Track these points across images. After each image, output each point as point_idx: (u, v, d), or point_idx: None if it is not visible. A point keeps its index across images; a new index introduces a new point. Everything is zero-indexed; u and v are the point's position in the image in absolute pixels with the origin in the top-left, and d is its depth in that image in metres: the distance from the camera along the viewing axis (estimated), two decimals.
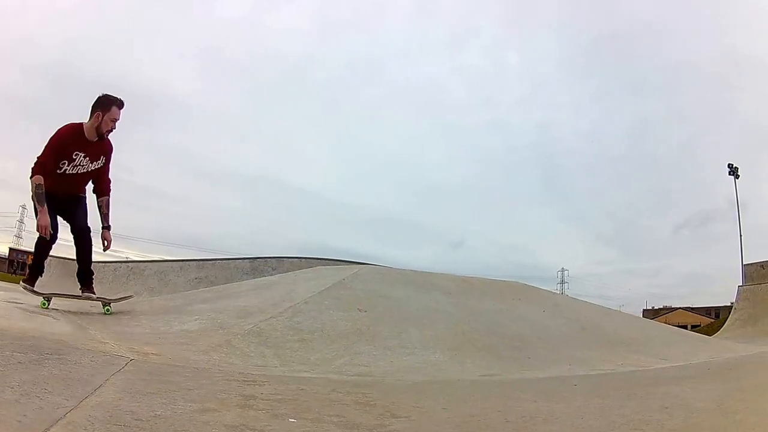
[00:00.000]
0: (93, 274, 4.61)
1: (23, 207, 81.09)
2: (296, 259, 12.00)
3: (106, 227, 4.51)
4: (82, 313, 4.33)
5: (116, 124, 4.33)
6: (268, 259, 12.22)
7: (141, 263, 14.59)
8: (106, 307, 4.50)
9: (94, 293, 4.52)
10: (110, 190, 4.60)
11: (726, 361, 4.37)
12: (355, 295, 4.70)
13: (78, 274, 4.58)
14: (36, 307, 4.16)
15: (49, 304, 4.29)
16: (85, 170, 4.35)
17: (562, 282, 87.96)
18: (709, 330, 17.44)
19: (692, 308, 58.15)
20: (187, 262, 13.24)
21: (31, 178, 4.18)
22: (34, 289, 4.44)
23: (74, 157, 4.25)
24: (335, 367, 3.21)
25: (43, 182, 4.15)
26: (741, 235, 27.68)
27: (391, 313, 4.43)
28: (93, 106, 4.27)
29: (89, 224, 4.56)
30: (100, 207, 4.54)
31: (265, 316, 3.99)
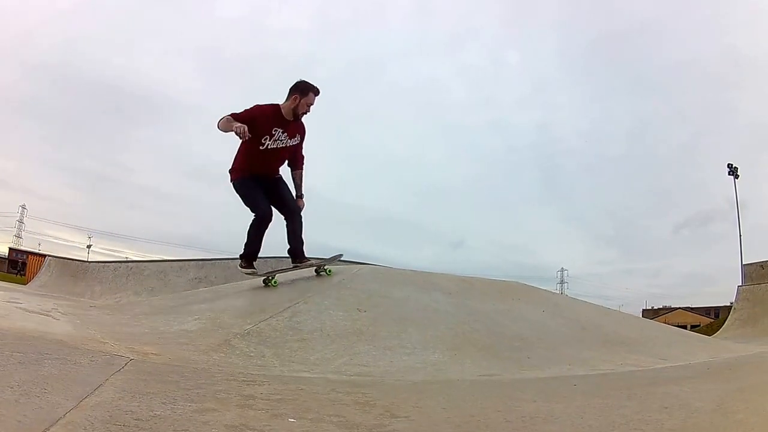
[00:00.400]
0: (303, 243, 5.12)
1: (23, 207, 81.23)
2: None
3: (300, 196, 5.06)
4: (81, 313, 4.33)
5: (311, 108, 4.76)
6: (268, 259, 12.19)
7: (141, 263, 14.59)
8: (327, 270, 5.16)
9: (308, 259, 5.14)
10: (303, 165, 5.09)
11: (726, 361, 4.37)
12: (354, 295, 4.69)
13: (290, 251, 5.14)
14: (37, 307, 4.16)
15: (274, 282, 4.86)
16: (283, 145, 4.76)
17: (562, 282, 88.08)
18: (709, 330, 17.46)
19: (692, 308, 58.19)
20: (187, 262, 13.24)
21: (218, 123, 4.52)
22: (254, 271, 5.03)
23: (274, 132, 4.65)
24: (335, 367, 3.21)
25: (229, 117, 4.49)
26: (740, 235, 27.71)
27: (391, 313, 4.42)
28: (291, 89, 4.69)
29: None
30: (294, 178, 5.05)
31: (265, 315, 3.99)
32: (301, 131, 4.88)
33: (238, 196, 4.83)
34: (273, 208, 4.85)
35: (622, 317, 7.11)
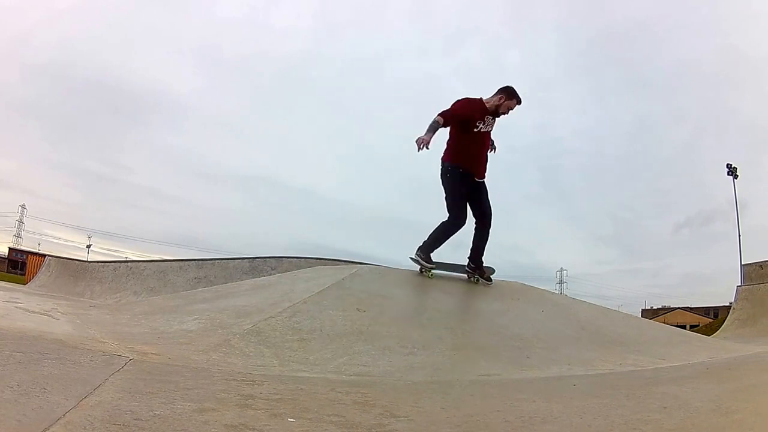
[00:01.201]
0: (482, 254, 5.37)
1: (23, 207, 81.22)
2: (295, 259, 12.00)
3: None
4: (81, 313, 4.33)
5: (509, 113, 5.09)
6: (268, 259, 12.22)
7: (140, 263, 14.58)
8: (477, 279, 5.35)
9: (482, 273, 5.33)
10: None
11: (725, 361, 4.37)
12: (354, 294, 4.70)
13: (471, 255, 5.27)
14: (36, 307, 4.16)
15: (431, 275, 5.12)
16: (490, 129, 5.12)
17: (561, 282, 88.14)
18: (708, 330, 17.46)
19: (691, 308, 58.22)
20: (187, 262, 13.24)
21: (436, 116, 4.81)
22: (430, 262, 5.18)
23: (485, 119, 5.03)
24: (334, 366, 3.21)
25: (443, 121, 4.85)
26: (740, 235, 27.74)
27: (390, 312, 4.43)
28: (500, 89, 5.05)
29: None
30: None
31: (264, 315, 3.99)
32: (493, 123, 5.18)
33: (442, 182, 5.08)
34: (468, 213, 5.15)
35: (622, 317, 7.11)
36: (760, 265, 17.51)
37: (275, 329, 3.75)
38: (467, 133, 4.97)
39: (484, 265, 5.44)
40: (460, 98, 5.04)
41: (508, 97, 4.97)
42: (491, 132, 5.16)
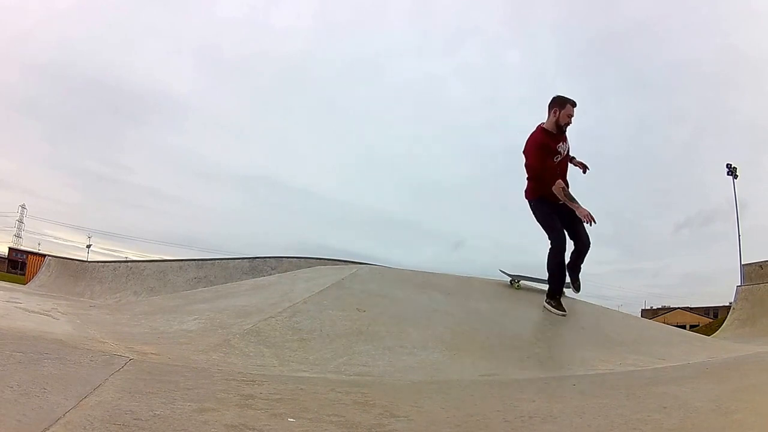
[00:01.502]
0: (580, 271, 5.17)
1: (23, 207, 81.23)
2: (295, 259, 12.00)
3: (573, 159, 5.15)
4: (81, 313, 4.34)
5: (572, 119, 4.85)
6: (267, 259, 12.22)
7: (140, 263, 14.58)
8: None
9: (558, 307, 5.05)
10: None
11: (724, 361, 4.38)
12: (354, 294, 4.70)
13: (570, 271, 5.09)
14: (36, 307, 4.16)
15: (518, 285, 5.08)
16: (565, 153, 4.90)
17: None
18: (708, 330, 17.47)
19: (691, 308, 58.20)
20: (187, 262, 13.23)
21: (552, 188, 4.64)
22: (561, 308, 5.00)
23: (558, 149, 4.80)
24: (334, 366, 3.22)
25: (563, 185, 4.70)
26: (739, 236, 27.72)
27: (390, 312, 4.43)
28: (549, 105, 4.83)
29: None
30: (571, 159, 5.11)
31: (264, 315, 3.99)
32: (566, 138, 4.96)
33: (534, 217, 4.93)
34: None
35: (621, 317, 7.12)
36: (760, 265, 17.51)
37: (275, 329, 3.75)
38: (550, 164, 4.79)
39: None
40: (528, 142, 4.83)
41: (560, 106, 4.81)
42: (569, 149, 5.00)
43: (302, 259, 11.99)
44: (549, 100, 4.86)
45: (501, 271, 5.25)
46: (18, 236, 78.76)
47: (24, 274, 23.17)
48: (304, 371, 3.04)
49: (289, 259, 11.96)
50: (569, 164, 5.07)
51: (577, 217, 4.67)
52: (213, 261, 13.39)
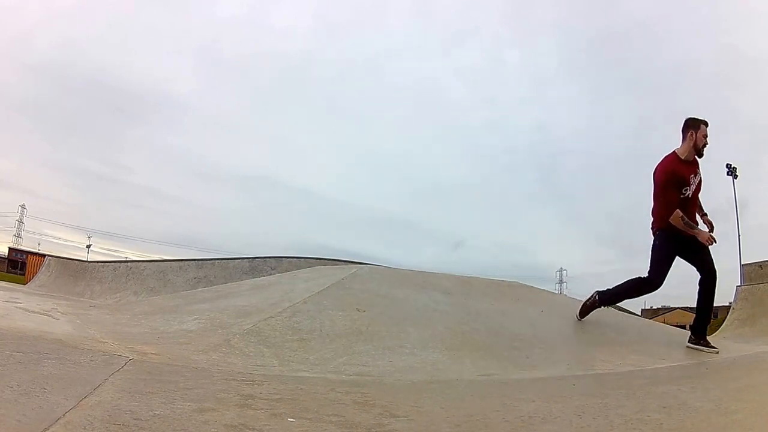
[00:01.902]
0: (710, 321, 4.86)
1: (23, 207, 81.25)
2: (295, 259, 12.01)
3: (704, 215, 4.80)
4: (81, 313, 4.34)
5: (707, 139, 4.62)
6: (267, 259, 12.23)
7: (140, 263, 14.58)
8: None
9: (707, 345, 4.75)
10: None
11: (724, 361, 4.38)
12: (353, 294, 4.70)
13: (696, 321, 4.86)
14: (36, 306, 4.16)
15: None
16: (695, 186, 4.62)
17: (561, 282, 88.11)
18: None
19: (691, 308, 58.10)
20: (187, 262, 13.24)
21: (670, 219, 4.45)
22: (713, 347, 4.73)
23: (690, 180, 4.56)
24: (334, 366, 3.22)
25: (681, 214, 4.43)
26: (739, 235, 27.73)
27: (390, 312, 4.43)
28: (683, 130, 4.60)
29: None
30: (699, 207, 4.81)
31: (264, 315, 3.99)
32: (698, 164, 4.72)
33: (652, 246, 4.69)
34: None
35: (621, 317, 7.11)
36: (760, 265, 17.49)
37: (275, 329, 3.75)
38: (676, 200, 4.53)
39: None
40: (658, 168, 4.57)
41: (695, 128, 4.59)
42: (700, 180, 4.68)
43: (302, 259, 12.00)
44: (683, 123, 4.62)
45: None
46: (18, 236, 78.86)
47: (24, 274, 23.17)
48: (304, 371, 3.04)
49: (289, 259, 11.98)
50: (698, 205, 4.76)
51: (701, 243, 4.50)
52: (213, 261, 13.41)
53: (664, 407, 2.32)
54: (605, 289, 4.87)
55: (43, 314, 3.84)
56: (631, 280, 4.74)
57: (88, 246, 70.65)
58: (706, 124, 4.63)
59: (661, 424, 2.06)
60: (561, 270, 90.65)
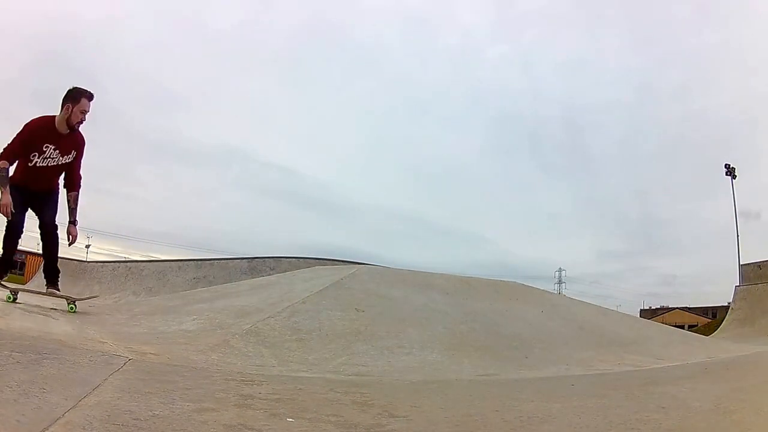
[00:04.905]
0: (59, 272, 4.66)
1: None
2: (294, 259, 12.00)
3: (72, 222, 4.53)
4: (80, 313, 4.33)
5: (86, 116, 4.33)
6: (267, 259, 12.22)
7: (140, 263, 14.59)
8: (70, 305, 4.41)
9: (58, 290, 4.59)
10: (80, 186, 4.58)
11: (723, 361, 4.39)
12: (352, 295, 4.70)
13: (44, 270, 4.70)
14: (36, 307, 4.15)
15: (15, 299, 4.30)
16: (55, 163, 4.35)
17: (560, 282, 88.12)
18: (706, 330, 17.48)
19: (689, 308, 58.22)
20: (186, 262, 13.24)
21: None
22: (2, 282, 4.48)
23: (44, 149, 4.25)
24: (333, 366, 3.22)
25: (7, 167, 4.16)
26: (738, 236, 27.72)
27: (389, 312, 4.43)
28: (63, 99, 4.26)
29: (57, 222, 4.57)
30: (68, 201, 4.54)
31: (263, 315, 3.99)
32: (77, 145, 4.46)
33: None
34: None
35: (620, 317, 7.13)
36: (758, 266, 17.56)
37: (274, 329, 3.75)
38: (23, 167, 4.30)
39: None
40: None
41: (74, 101, 4.26)
42: (70, 164, 4.43)
43: (301, 260, 11.98)
44: (65, 92, 4.28)
45: None
46: None
47: (23, 274, 23.18)
48: (303, 371, 3.04)
49: (288, 260, 11.96)
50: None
51: (46, 199, 4.43)
52: (212, 261, 13.40)
53: (663, 407, 2.33)
54: None
55: (42, 314, 3.84)
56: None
57: (87, 246, 70.57)
58: (89, 97, 4.34)
59: (660, 424, 2.07)
60: (560, 270, 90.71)
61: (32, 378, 1.95)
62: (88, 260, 21.72)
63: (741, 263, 21.06)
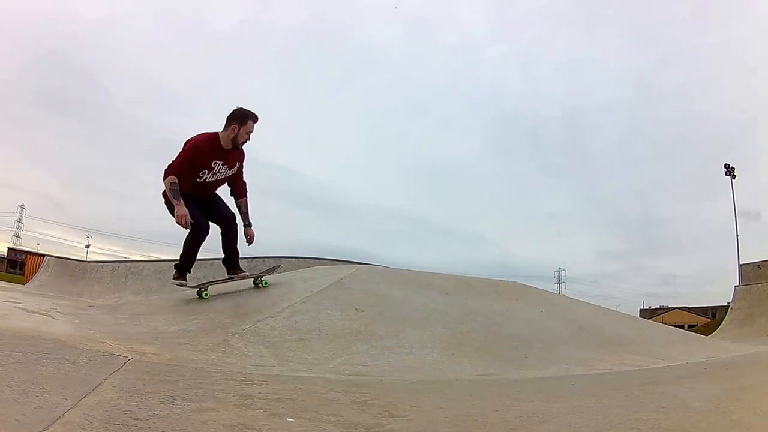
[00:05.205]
0: (239, 254, 5.00)
1: (22, 207, 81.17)
2: (294, 259, 12.00)
3: (248, 225, 4.90)
4: (80, 312, 4.33)
5: (251, 136, 4.63)
6: (266, 259, 12.21)
7: (139, 263, 14.58)
8: (263, 281, 4.97)
9: (242, 270, 4.99)
10: (247, 191, 4.95)
11: (723, 360, 4.39)
12: (352, 294, 4.70)
13: (225, 261, 4.99)
14: (35, 306, 4.16)
15: (207, 294, 4.72)
16: (223, 176, 4.68)
17: (560, 282, 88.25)
18: (706, 330, 17.50)
19: (689, 308, 58.30)
20: None
21: (164, 179, 4.42)
22: (186, 283, 4.86)
23: (213, 165, 4.55)
24: (333, 366, 3.22)
25: (177, 181, 4.41)
26: (738, 236, 27.74)
27: (389, 312, 4.43)
28: (228, 118, 4.54)
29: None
30: (239, 207, 4.89)
31: (263, 315, 4.00)
32: (240, 159, 4.78)
33: (165, 205, 4.66)
34: (209, 222, 4.77)
35: (620, 317, 7.13)
36: (758, 265, 17.57)
37: (274, 329, 3.75)
38: (191, 181, 4.57)
39: None
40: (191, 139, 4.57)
41: (241, 122, 4.55)
42: (235, 174, 4.82)
43: (301, 259, 11.98)
44: (230, 112, 4.57)
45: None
46: (17, 236, 78.75)
47: (23, 274, 23.14)
48: (303, 371, 3.04)
49: (288, 259, 11.96)
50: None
51: (213, 199, 4.74)
52: (212, 261, 13.37)
53: (663, 407, 2.33)
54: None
55: (42, 314, 3.84)
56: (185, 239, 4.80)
57: (87, 246, 70.68)
58: (254, 119, 4.60)
59: (660, 423, 2.07)
60: (559, 270, 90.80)
61: (32, 378, 1.95)
62: (88, 260, 21.73)
63: (740, 263, 21.09)
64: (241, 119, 4.52)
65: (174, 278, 4.88)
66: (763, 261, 17.47)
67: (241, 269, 4.98)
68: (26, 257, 30.18)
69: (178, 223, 4.38)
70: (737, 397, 2.68)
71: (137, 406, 1.85)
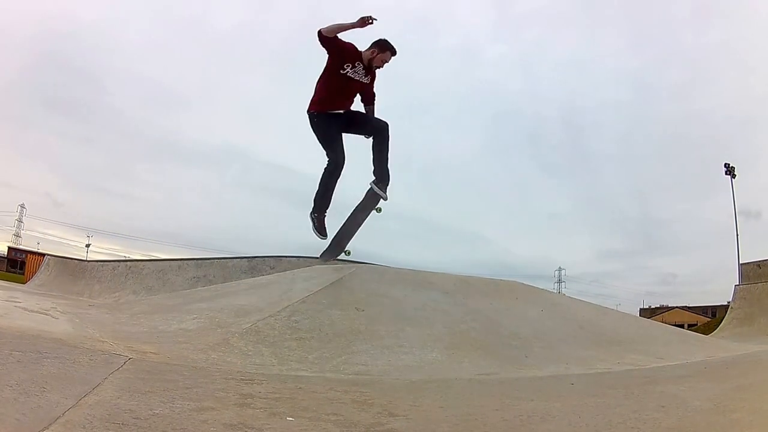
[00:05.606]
0: (389, 176, 5.35)
1: (22, 206, 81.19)
2: (294, 258, 11.97)
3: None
4: (80, 312, 4.34)
5: (384, 65, 5.11)
6: (267, 258, 12.19)
7: (139, 262, 14.56)
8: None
9: (384, 194, 5.34)
10: (375, 100, 5.35)
11: (722, 360, 4.39)
12: (352, 294, 4.70)
13: (377, 172, 5.31)
14: (36, 306, 4.16)
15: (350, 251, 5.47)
16: (359, 79, 5.08)
17: (559, 281, 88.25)
18: (706, 329, 17.50)
19: (689, 307, 58.30)
20: (186, 261, 13.20)
21: (322, 28, 4.83)
22: (324, 227, 5.46)
23: (356, 64, 5.02)
24: (333, 365, 3.22)
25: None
26: (737, 235, 27.74)
27: (389, 312, 4.43)
28: (374, 42, 5.03)
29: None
30: (367, 112, 5.35)
31: (263, 315, 3.99)
32: (373, 74, 5.20)
33: (313, 131, 5.13)
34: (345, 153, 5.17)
35: (620, 316, 7.13)
36: (758, 265, 17.58)
37: (274, 328, 3.75)
38: (335, 72, 5.02)
39: None
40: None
41: (381, 49, 5.02)
42: (369, 84, 5.21)
43: (301, 259, 11.96)
44: (378, 39, 5.00)
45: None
46: (17, 235, 78.79)
47: (23, 274, 23.14)
48: (303, 370, 3.04)
49: (288, 259, 11.93)
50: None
51: (354, 113, 5.19)
52: (212, 260, 13.36)
53: (663, 406, 2.33)
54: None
55: (42, 313, 3.84)
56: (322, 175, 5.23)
57: (88, 245, 70.73)
58: (393, 53, 5.06)
59: (660, 423, 2.07)
60: (559, 269, 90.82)
61: (32, 377, 1.95)
62: (88, 259, 21.74)
63: (740, 262, 21.10)
64: (382, 47, 5.00)
65: (314, 214, 5.35)
66: (763, 260, 17.47)
67: (385, 186, 5.30)
68: (26, 256, 30.18)
69: (363, 24, 4.76)
70: (737, 396, 2.68)
71: (137, 405, 1.85)
